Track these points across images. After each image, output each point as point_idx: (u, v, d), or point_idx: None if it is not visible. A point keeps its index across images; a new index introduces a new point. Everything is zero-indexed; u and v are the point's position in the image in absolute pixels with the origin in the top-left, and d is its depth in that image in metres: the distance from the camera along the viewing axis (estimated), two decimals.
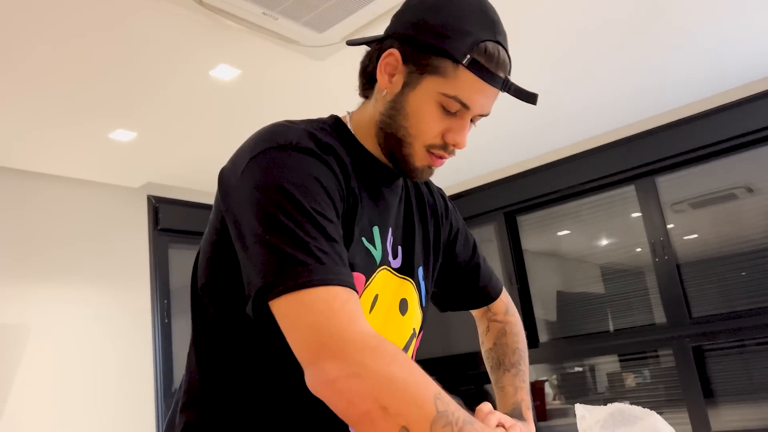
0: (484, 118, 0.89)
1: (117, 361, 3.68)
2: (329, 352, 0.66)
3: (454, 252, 1.10)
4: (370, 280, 0.85)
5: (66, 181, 3.76)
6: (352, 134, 0.91)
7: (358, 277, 0.83)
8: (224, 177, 0.82)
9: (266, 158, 0.77)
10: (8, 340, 3.30)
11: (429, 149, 0.86)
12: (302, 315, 0.68)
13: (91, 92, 2.86)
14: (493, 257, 4.85)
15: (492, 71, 0.82)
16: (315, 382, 0.67)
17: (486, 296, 1.16)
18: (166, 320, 3.92)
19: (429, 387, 0.65)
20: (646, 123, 4.04)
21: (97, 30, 2.42)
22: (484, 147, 4.23)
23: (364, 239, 0.85)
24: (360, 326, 0.68)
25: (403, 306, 0.93)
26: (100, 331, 3.67)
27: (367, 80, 0.92)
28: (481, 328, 1.17)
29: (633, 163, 4.05)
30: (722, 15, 2.87)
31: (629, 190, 4.18)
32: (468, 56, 0.81)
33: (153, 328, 3.89)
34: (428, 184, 1.08)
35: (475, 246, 1.16)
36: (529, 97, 0.86)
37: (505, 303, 1.19)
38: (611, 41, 3.00)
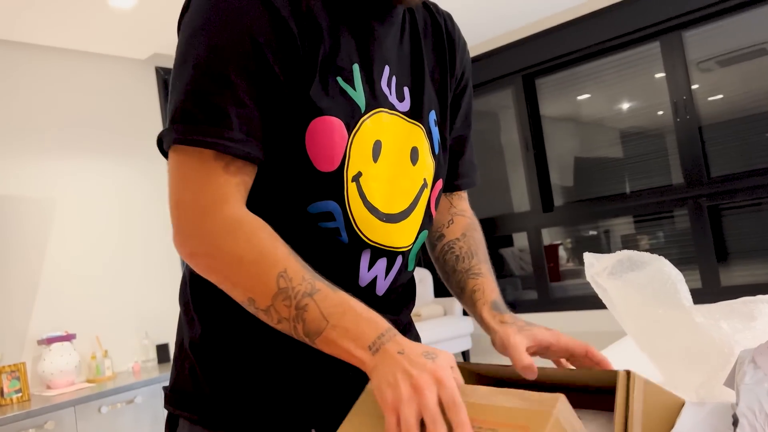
0: None
1: (141, 229, 3.80)
2: (191, 229, 0.72)
3: (459, 104, 0.99)
4: (359, 125, 0.78)
5: (73, 54, 3.68)
6: None
7: (331, 121, 0.75)
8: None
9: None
10: (36, 214, 3.41)
11: None
12: (179, 176, 0.73)
13: None
14: (510, 123, 4.77)
15: None
16: (178, 246, 0.74)
17: (464, 181, 1.02)
18: None
19: (276, 265, 0.69)
20: None
21: None
22: (500, 6, 4.00)
23: (340, 80, 0.77)
24: (224, 211, 0.71)
25: (414, 154, 0.86)
26: (122, 202, 3.76)
27: None
28: (438, 221, 1.02)
29: (659, 17, 3.82)
30: None
31: (654, 47, 3.99)
32: None
33: None
34: (439, 13, 0.96)
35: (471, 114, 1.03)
36: None
37: (468, 205, 1.06)
38: None
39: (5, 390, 2.92)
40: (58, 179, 3.53)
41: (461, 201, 1.05)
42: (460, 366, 0.74)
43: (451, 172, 1.02)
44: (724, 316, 0.76)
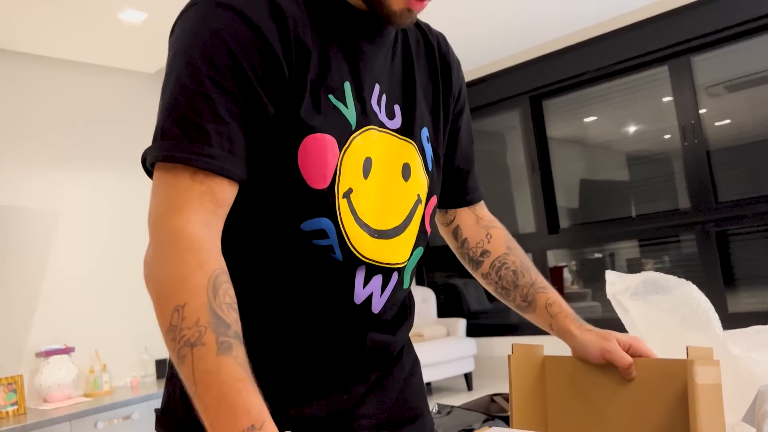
0: None
1: (144, 244, 3.78)
2: (149, 235, 0.70)
3: (458, 126, 1.00)
4: (350, 141, 0.79)
5: (82, 67, 3.69)
6: None
7: (323, 138, 0.76)
8: None
9: (185, 18, 0.75)
10: (40, 225, 3.38)
11: None
12: (154, 191, 0.71)
13: None
14: (516, 145, 4.76)
15: None
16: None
17: (475, 195, 1.04)
18: None
19: (178, 296, 0.63)
20: None
21: None
22: (508, 27, 4.02)
23: (331, 97, 0.78)
24: (172, 221, 0.68)
25: (406, 171, 0.86)
26: (125, 214, 3.74)
27: None
28: (475, 237, 1.04)
29: (667, 41, 3.83)
30: None
31: (662, 71, 3.99)
32: None
33: None
34: (432, 33, 0.97)
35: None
36: None
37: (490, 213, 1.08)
38: None
39: (1, 403, 2.88)
40: (63, 191, 3.51)
41: (484, 211, 1.07)
42: (549, 359, 0.91)
43: (461, 187, 1.03)
44: (752, 346, 0.73)
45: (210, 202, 0.69)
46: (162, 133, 0.71)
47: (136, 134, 3.88)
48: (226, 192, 0.71)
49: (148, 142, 3.91)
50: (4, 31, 3.20)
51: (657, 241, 4.18)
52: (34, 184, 3.41)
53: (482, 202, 1.07)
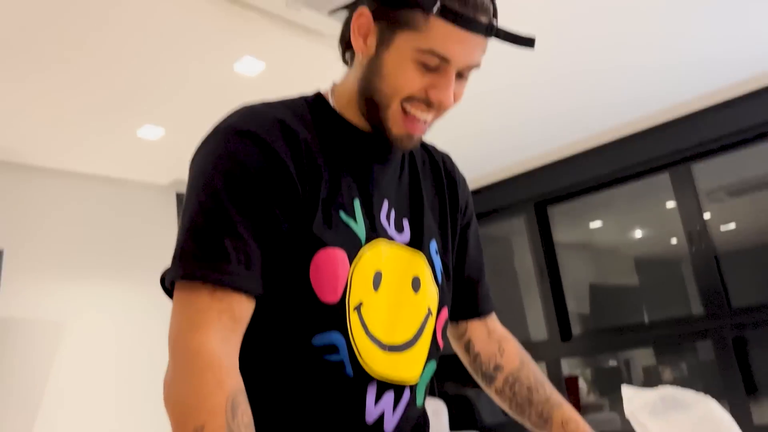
0: (505, 100, 0.84)
1: (151, 358, 3.71)
2: (169, 354, 0.72)
3: (466, 238, 1.02)
4: (359, 255, 0.81)
5: (97, 180, 3.80)
6: (332, 109, 0.87)
7: (334, 252, 0.79)
8: None
9: (206, 144, 0.81)
10: (44, 337, 3.35)
11: (406, 105, 0.81)
12: (174, 309, 0.73)
13: (116, 88, 2.88)
14: (523, 250, 4.78)
15: (469, 16, 0.76)
16: None
17: (486, 306, 1.04)
18: None
19: (198, 417, 0.64)
20: (681, 108, 3.92)
21: (120, 24, 2.43)
22: (512, 135, 4.16)
23: (342, 213, 0.82)
24: (191, 339, 0.70)
25: (416, 283, 0.88)
26: (133, 329, 3.70)
27: (346, 47, 0.89)
28: (487, 351, 1.02)
29: (667, 149, 3.93)
30: None
31: (663, 179, 4.06)
32: (437, 3, 0.75)
33: None
34: (437, 153, 1.02)
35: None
36: (524, 42, 0.80)
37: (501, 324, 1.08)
38: (641, 18, 2.91)
39: None
40: (70, 304, 3.50)
41: (495, 324, 1.06)
42: None
43: (472, 298, 1.04)
44: None
45: (229, 319, 0.71)
46: (182, 252, 0.73)
47: (146, 247, 3.92)
48: (243, 308, 0.73)
49: (159, 256, 3.95)
50: (23, 146, 3.35)
51: (673, 348, 4.08)
52: (40, 296, 3.41)
53: (494, 315, 1.07)
